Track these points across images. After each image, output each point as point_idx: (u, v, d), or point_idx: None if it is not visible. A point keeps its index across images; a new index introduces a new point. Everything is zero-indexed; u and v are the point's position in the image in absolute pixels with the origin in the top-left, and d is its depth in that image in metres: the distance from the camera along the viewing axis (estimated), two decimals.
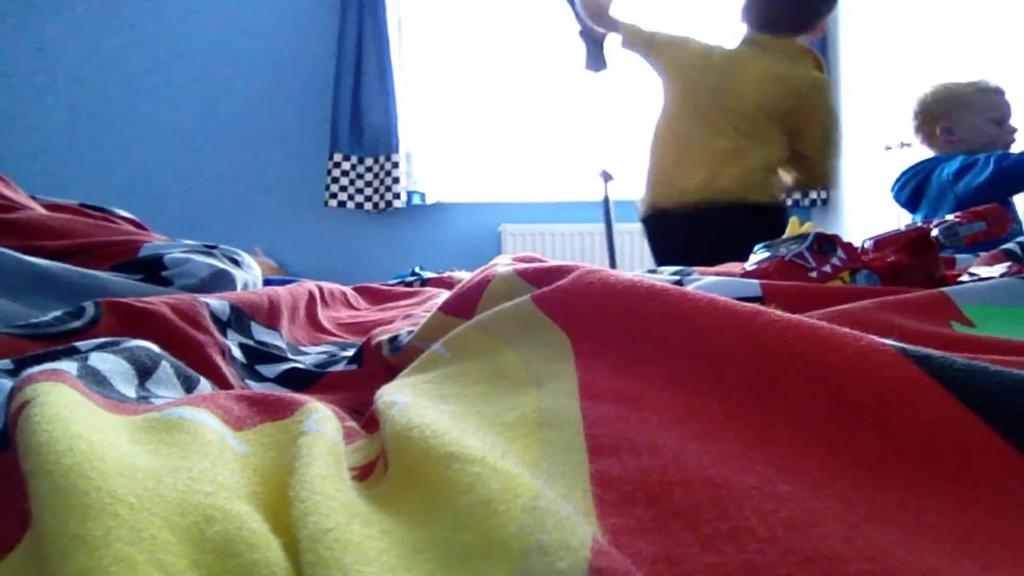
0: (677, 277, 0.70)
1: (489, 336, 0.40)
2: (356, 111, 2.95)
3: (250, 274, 0.85)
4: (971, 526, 0.19)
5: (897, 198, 1.75)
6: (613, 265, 2.21)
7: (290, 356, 0.61)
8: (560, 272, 0.41)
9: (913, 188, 1.68)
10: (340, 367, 0.58)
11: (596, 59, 1.95)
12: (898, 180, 1.73)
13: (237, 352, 0.55)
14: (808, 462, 0.22)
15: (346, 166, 2.98)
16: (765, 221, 1.67)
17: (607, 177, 2.15)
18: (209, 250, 0.81)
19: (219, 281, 0.75)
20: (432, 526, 0.20)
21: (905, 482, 0.21)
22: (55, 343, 0.41)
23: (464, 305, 0.48)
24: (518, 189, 3.16)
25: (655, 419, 0.26)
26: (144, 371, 0.36)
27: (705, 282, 0.58)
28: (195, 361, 0.46)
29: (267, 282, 0.91)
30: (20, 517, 0.20)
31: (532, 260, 0.60)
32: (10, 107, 2.97)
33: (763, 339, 0.27)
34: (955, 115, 1.66)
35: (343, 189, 2.99)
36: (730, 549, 0.18)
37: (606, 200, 2.18)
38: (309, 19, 3.04)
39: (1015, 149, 1.66)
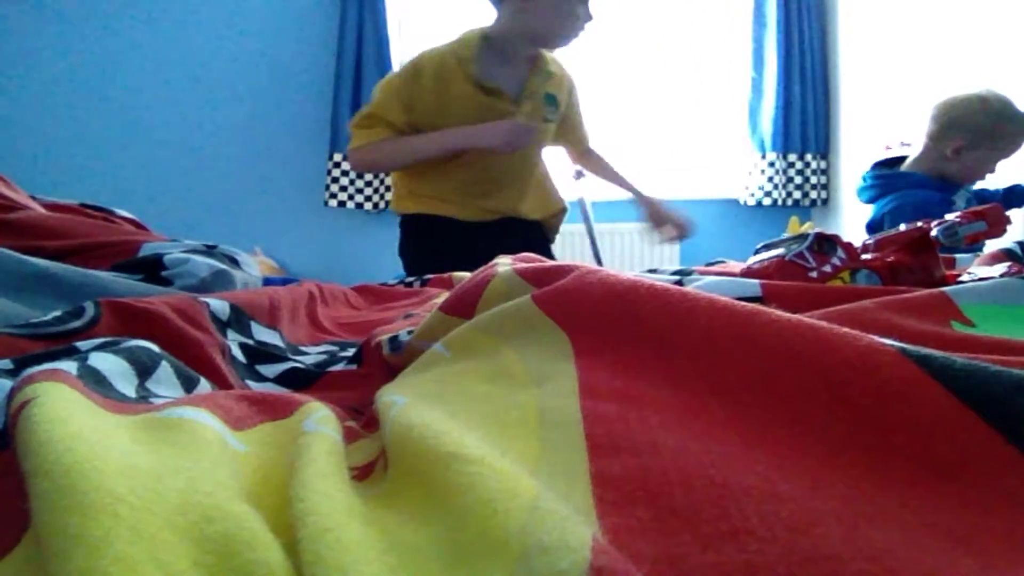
0: (677, 277, 0.70)
1: (489, 336, 0.40)
2: (356, 111, 2.95)
3: (250, 274, 0.85)
4: (971, 526, 0.19)
5: (860, 195, 1.75)
6: (600, 264, 2.18)
7: (290, 356, 0.61)
8: (560, 272, 0.41)
9: (876, 195, 1.68)
10: (340, 367, 0.58)
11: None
12: (865, 185, 1.72)
13: (237, 352, 0.55)
14: (808, 462, 0.22)
15: (346, 166, 2.98)
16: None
17: (579, 175, 1.99)
18: (209, 250, 0.81)
19: (219, 281, 0.75)
20: (432, 526, 0.20)
21: (905, 482, 0.21)
22: (55, 343, 0.41)
23: (464, 305, 0.48)
24: None
25: (655, 419, 0.26)
26: (144, 371, 0.36)
27: (705, 282, 0.58)
28: (195, 361, 0.46)
29: (267, 282, 0.91)
30: (20, 517, 0.20)
31: (532, 260, 0.60)
32: (10, 107, 2.97)
33: (763, 339, 0.27)
34: (986, 143, 1.54)
35: (343, 189, 2.99)
36: (730, 549, 0.18)
37: (581, 200, 2.13)
38: (309, 19, 3.04)
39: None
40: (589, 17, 1.50)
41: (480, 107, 1.52)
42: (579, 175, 1.98)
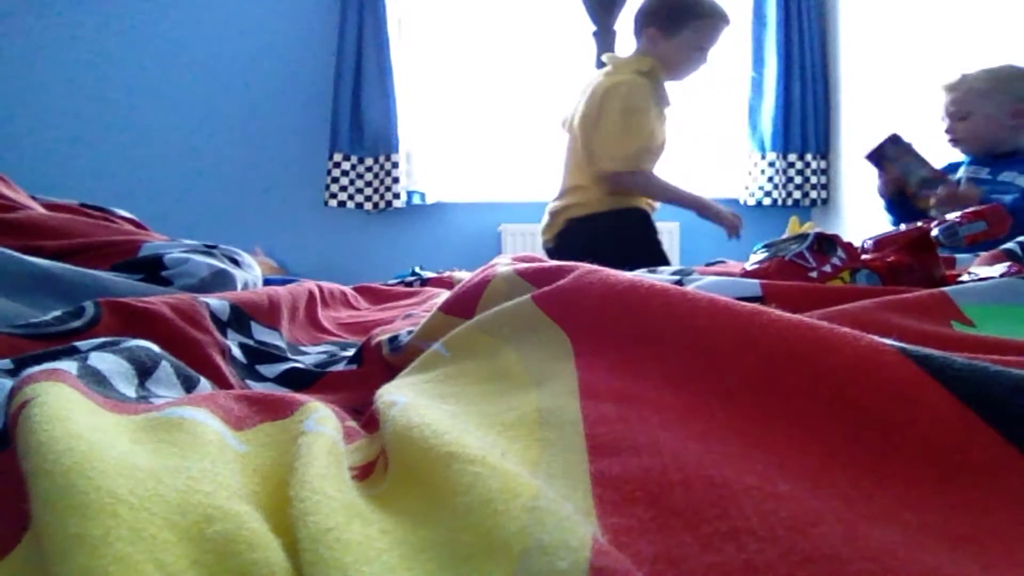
0: (677, 277, 0.70)
1: (489, 336, 0.40)
2: (356, 111, 2.95)
3: (250, 274, 0.85)
4: (971, 526, 0.19)
5: None
6: None
7: (290, 356, 0.61)
8: (560, 272, 0.41)
9: None
10: (340, 367, 0.58)
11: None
12: None
13: (237, 352, 0.55)
14: (808, 462, 0.22)
15: (346, 166, 2.97)
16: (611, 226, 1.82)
17: None
18: (209, 250, 0.81)
19: (219, 281, 0.75)
20: (432, 526, 0.20)
21: (905, 482, 0.21)
22: (55, 343, 0.41)
23: (464, 305, 0.48)
24: (518, 189, 3.16)
25: (655, 419, 0.26)
26: (144, 371, 0.36)
27: (705, 282, 0.58)
28: (195, 361, 0.46)
29: (267, 282, 0.91)
30: (20, 517, 0.20)
31: (532, 260, 0.60)
32: (10, 107, 2.97)
33: (764, 339, 0.27)
34: (970, 102, 1.57)
35: (343, 189, 2.99)
36: (730, 549, 0.18)
37: None
38: (309, 19, 3.04)
39: None
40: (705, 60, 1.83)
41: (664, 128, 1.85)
42: None
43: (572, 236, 1.88)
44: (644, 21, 1.80)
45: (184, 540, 0.18)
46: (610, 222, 1.84)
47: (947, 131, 1.65)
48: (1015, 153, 1.59)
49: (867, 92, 2.79)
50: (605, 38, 1.99)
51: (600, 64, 1.96)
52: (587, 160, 1.83)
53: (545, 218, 1.99)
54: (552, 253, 1.93)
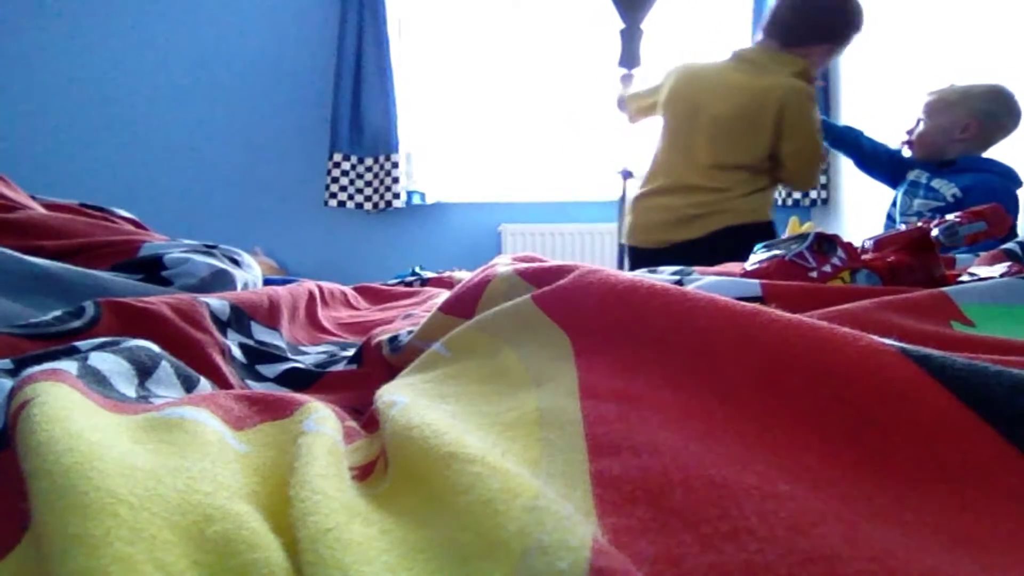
0: (677, 277, 0.70)
1: (489, 336, 0.40)
2: (356, 111, 2.95)
3: (250, 274, 0.85)
4: (971, 526, 0.19)
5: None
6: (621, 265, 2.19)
7: (290, 356, 0.61)
8: (560, 272, 0.41)
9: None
10: (340, 367, 0.58)
11: (632, 56, 1.97)
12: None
13: (237, 352, 0.55)
14: (808, 462, 0.22)
15: (346, 166, 2.98)
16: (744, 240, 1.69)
17: (627, 175, 2.14)
18: (209, 250, 0.81)
19: (219, 281, 0.75)
20: (432, 526, 0.20)
21: (905, 482, 0.21)
22: (55, 343, 0.41)
23: (464, 305, 0.48)
24: (518, 189, 3.16)
25: (655, 419, 0.26)
26: (144, 371, 0.36)
27: (705, 282, 0.58)
28: (195, 361, 0.46)
29: (267, 282, 0.91)
30: (20, 517, 0.20)
31: (532, 260, 0.60)
32: (10, 107, 2.97)
33: (764, 339, 0.27)
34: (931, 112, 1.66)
35: (343, 189, 2.99)
36: (730, 549, 0.18)
37: (623, 199, 2.17)
38: (309, 19, 3.04)
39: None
40: None
41: None
42: (628, 175, 2.15)
43: (725, 243, 1.73)
44: (820, 35, 1.69)
45: (184, 540, 0.18)
46: (764, 233, 1.73)
47: (907, 132, 1.73)
48: (954, 163, 1.65)
49: (867, 92, 2.79)
50: (632, 36, 1.94)
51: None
52: (753, 162, 1.71)
53: (664, 215, 1.81)
54: (686, 256, 1.67)
